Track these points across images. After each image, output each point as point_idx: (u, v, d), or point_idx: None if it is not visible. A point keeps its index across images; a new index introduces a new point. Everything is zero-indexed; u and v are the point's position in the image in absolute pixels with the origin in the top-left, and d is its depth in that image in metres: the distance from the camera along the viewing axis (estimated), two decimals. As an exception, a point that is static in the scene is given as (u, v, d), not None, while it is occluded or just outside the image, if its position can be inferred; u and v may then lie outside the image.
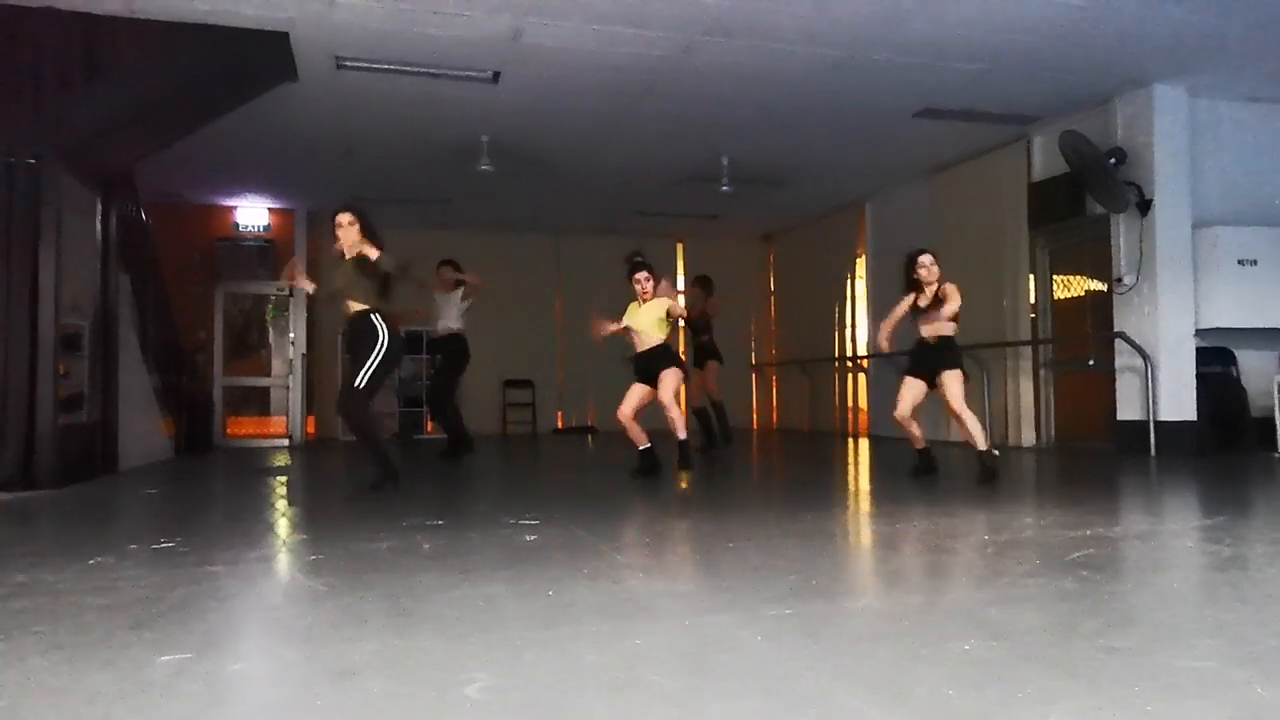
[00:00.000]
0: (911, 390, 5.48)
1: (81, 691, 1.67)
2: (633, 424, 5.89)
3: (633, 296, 6.04)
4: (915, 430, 5.52)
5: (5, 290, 5.47)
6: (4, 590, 2.56)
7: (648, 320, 5.92)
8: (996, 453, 5.58)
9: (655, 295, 5.96)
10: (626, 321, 6.00)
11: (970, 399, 5.49)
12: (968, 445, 5.46)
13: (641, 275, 5.94)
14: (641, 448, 5.82)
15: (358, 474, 6.09)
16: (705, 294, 8.27)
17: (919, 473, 5.55)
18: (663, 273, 6.17)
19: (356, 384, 4.92)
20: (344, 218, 5.03)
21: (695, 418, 8.04)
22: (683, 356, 8.26)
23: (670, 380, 5.88)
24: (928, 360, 5.45)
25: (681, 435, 6.01)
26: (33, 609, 2.35)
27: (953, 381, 5.33)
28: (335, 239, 5.10)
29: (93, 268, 6.52)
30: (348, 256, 5.03)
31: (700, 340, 8.16)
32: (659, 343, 5.93)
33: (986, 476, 5.16)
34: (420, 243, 10.47)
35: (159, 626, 2.14)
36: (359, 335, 4.98)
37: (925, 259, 5.46)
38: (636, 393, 5.94)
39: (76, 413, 6.23)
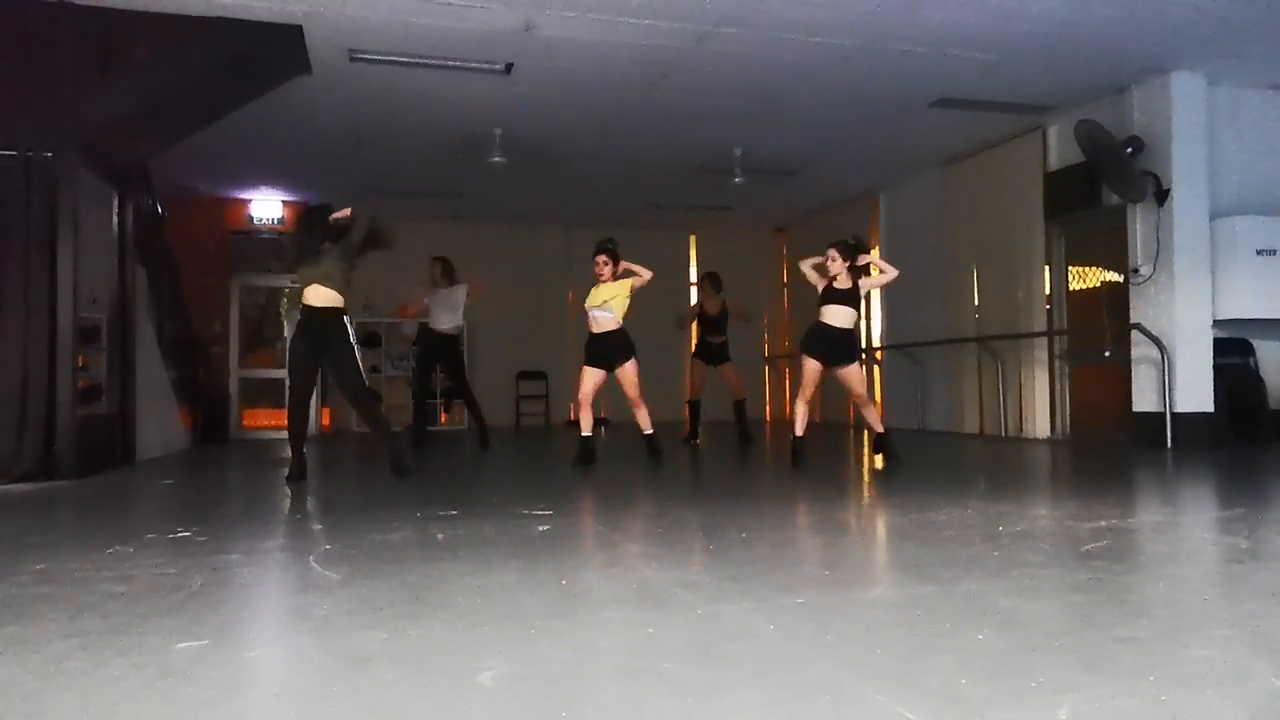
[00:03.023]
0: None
1: (100, 677, 1.69)
2: (588, 409, 6.12)
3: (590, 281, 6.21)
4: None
5: (24, 284, 5.52)
6: (25, 578, 2.59)
7: (601, 299, 6.07)
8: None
9: (616, 278, 6.15)
10: (586, 304, 6.10)
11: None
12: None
13: (601, 257, 6.13)
14: (585, 435, 6.06)
15: (371, 464, 6.13)
16: (715, 290, 8.25)
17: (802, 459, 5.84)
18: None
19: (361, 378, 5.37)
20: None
21: (689, 408, 8.29)
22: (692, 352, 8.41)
23: (633, 375, 6.09)
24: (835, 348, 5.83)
25: (648, 430, 6.20)
26: (53, 596, 2.38)
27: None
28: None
29: (110, 261, 6.57)
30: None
31: (718, 341, 8.17)
32: (615, 327, 6.07)
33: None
34: (432, 235, 10.55)
35: (176, 614, 2.16)
36: (333, 332, 5.22)
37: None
38: (592, 377, 6.11)
39: (95, 404, 6.29)
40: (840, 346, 5.79)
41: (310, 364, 5.26)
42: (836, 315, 5.77)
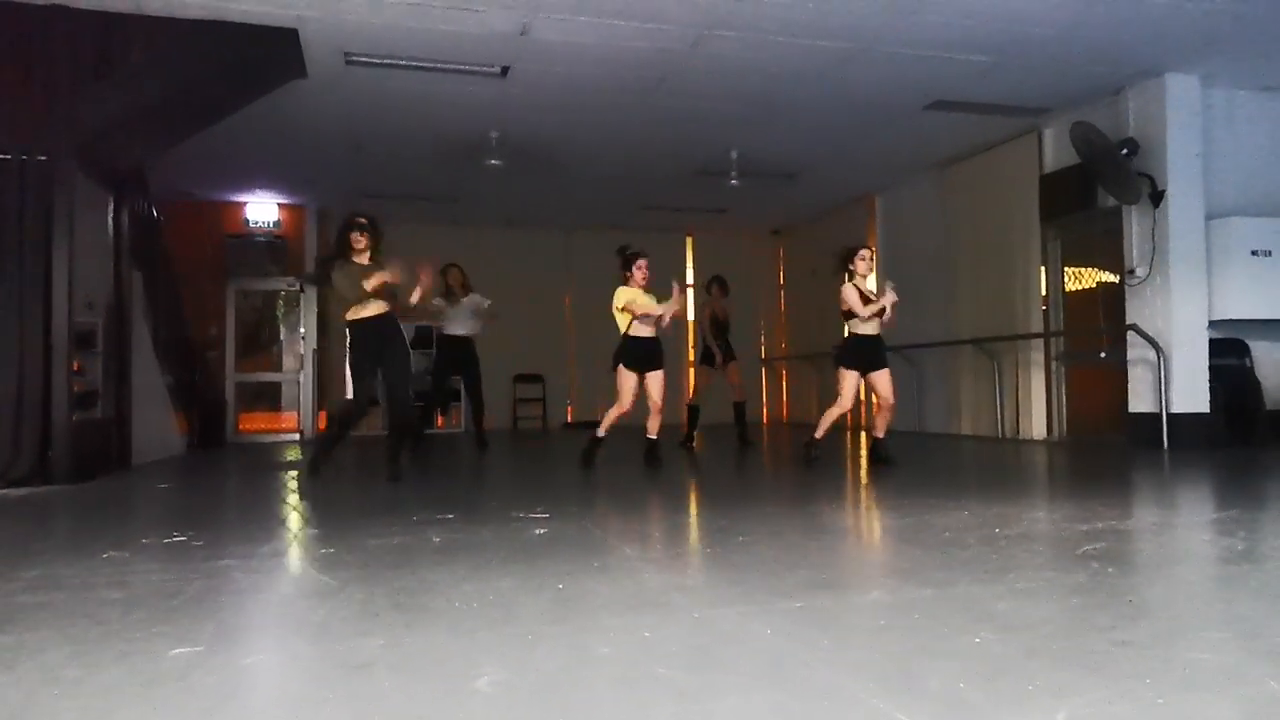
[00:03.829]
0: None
1: (95, 684, 1.69)
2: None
3: (614, 283, 6.22)
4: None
5: (19, 288, 5.51)
6: (19, 584, 2.58)
7: (653, 308, 6.08)
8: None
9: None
10: (644, 305, 6.06)
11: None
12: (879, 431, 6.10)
13: (645, 262, 6.14)
14: (600, 436, 6.16)
15: (370, 468, 6.13)
16: (724, 294, 8.40)
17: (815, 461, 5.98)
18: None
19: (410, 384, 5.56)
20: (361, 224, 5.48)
21: (688, 412, 8.37)
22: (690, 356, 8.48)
23: (663, 380, 6.15)
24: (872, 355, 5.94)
25: (654, 435, 6.24)
26: (47, 603, 2.37)
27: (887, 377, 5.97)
28: (357, 246, 5.43)
29: (105, 265, 6.55)
30: (362, 261, 5.39)
31: (721, 341, 8.24)
32: (652, 335, 6.12)
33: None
34: (429, 239, 10.55)
35: (172, 620, 2.15)
36: (398, 333, 5.45)
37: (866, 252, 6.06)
38: (636, 382, 6.07)
39: (91, 409, 6.27)
40: (875, 352, 5.94)
41: (375, 365, 5.43)
42: (871, 324, 5.92)
